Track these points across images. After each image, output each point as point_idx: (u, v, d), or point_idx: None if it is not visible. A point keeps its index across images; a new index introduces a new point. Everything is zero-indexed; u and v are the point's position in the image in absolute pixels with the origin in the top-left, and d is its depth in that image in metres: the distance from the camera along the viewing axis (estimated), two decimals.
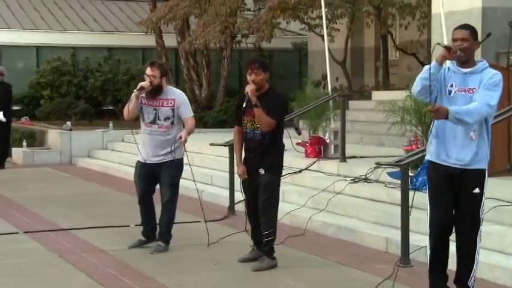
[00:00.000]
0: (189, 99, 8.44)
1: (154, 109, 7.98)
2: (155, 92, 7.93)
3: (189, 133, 8.07)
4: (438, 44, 5.70)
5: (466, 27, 5.84)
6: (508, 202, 7.80)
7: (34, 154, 17.70)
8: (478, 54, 10.51)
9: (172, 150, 7.97)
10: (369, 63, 21.15)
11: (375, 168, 9.84)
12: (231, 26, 19.18)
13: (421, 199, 6.74)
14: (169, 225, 8.17)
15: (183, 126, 8.09)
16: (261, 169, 7.24)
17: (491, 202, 7.91)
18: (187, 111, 8.09)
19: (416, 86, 5.72)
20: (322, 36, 14.86)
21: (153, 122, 7.99)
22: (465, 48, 5.66)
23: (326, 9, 15.00)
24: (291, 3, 16.53)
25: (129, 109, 7.93)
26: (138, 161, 8.22)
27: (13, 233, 9.11)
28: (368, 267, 7.25)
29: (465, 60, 5.70)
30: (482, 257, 6.99)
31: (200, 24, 19.41)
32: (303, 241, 8.39)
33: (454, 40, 5.72)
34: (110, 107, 23.35)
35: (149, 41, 22.75)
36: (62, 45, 23.98)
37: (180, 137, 7.94)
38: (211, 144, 11.67)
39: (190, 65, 21.59)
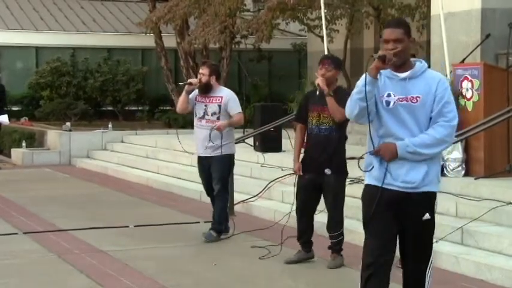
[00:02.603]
0: None
1: (205, 105, 8.58)
2: (204, 89, 8.55)
3: (232, 124, 8.60)
4: (372, 56, 4.71)
5: (398, 24, 4.77)
6: (507, 203, 7.80)
7: (33, 155, 17.69)
8: (477, 55, 10.57)
9: (221, 146, 8.47)
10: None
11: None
12: (230, 27, 19.18)
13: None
14: (221, 216, 8.64)
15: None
16: (327, 169, 7.22)
17: (490, 203, 7.92)
18: (234, 108, 8.61)
19: (353, 108, 4.71)
20: (322, 37, 14.86)
21: (203, 117, 8.59)
22: (400, 51, 4.65)
23: (325, 10, 15.00)
24: (290, 3, 16.52)
25: (179, 101, 8.69)
26: (197, 156, 8.84)
27: (12, 234, 9.11)
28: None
29: (401, 63, 4.72)
30: (482, 258, 7.02)
31: (200, 24, 19.41)
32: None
33: (386, 41, 4.69)
34: (109, 108, 23.35)
35: (148, 41, 22.73)
36: (61, 45, 23.97)
37: (217, 126, 8.46)
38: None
39: (189, 66, 21.58)
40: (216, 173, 8.55)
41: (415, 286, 4.89)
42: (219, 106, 8.52)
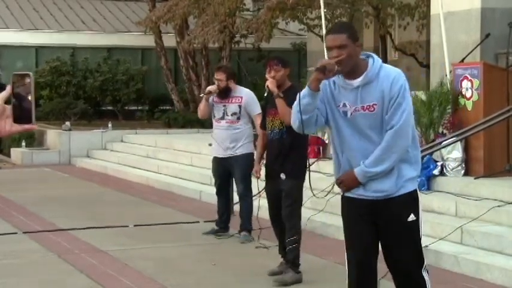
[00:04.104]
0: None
1: (224, 105, 8.59)
2: (224, 93, 8.54)
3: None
4: (309, 69, 4.41)
5: (340, 30, 4.42)
6: (506, 202, 7.80)
7: (33, 154, 17.69)
8: (477, 55, 10.57)
9: (241, 146, 8.50)
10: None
11: None
12: (230, 26, 19.19)
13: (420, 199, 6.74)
14: (249, 215, 8.65)
15: (252, 123, 8.69)
16: (282, 174, 6.88)
17: (490, 202, 7.92)
18: (255, 109, 8.55)
19: (294, 121, 4.47)
20: (321, 37, 14.86)
21: (222, 118, 8.61)
22: (344, 59, 4.27)
23: (325, 10, 14.99)
24: (290, 3, 16.52)
25: (201, 109, 8.70)
26: (213, 156, 8.88)
27: (12, 233, 9.11)
28: None
29: (349, 71, 4.35)
30: (482, 257, 7.02)
31: (199, 24, 19.43)
32: (302, 241, 8.38)
33: (329, 49, 4.35)
34: (109, 107, 23.35)
35: (148, 41, 22.74)
36: (61, 45, 23.96)
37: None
38: (210, 145, 11.66)
39: (189, 65, 21.59)
40: (239, 172, 8.53)
41: None
42: (239, 106, 8.52)
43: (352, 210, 4.57)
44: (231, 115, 8.54)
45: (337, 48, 4.29)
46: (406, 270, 4.53)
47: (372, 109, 4.35)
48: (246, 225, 8.66)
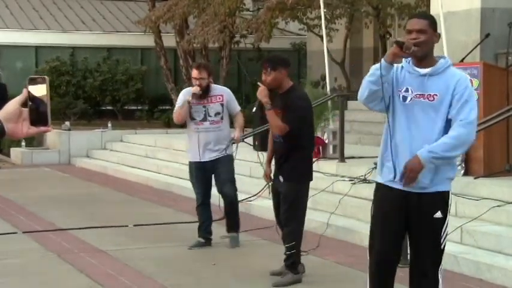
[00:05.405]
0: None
1: (204, 106, 8.13)
2: (205, 92, 8.09)
3: (242, 129, 8.32)
4: (394, 41, 4.57)
5: (423, 16, 4.76)
6: (506, 202, 7.81)
7: (33, 154, 17.69)
8: (477, 55, 10.57)
9: (227, 147, 8.16)
10: (368, 64, 21.12)
11: (373, 168, 9.84)
12: (229, 26, 19.20)
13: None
14: (237, 214, 8.41)
15: (231, 122, 8.34)
16: (280, 176, 6.78)
17: (489, 202, 7.93)
18: (235, 106, 8.30)
19: (363, 91, 4.61)
20: (321, 37, 14.87)
21: (204, 120, 8.13)
22: (422, 42, 4.52)
23: (325, 10, 15.00)
24: (289, 3, 16.52)
25: (181, 114, 8.09)
26: (192, 162, 8.30)
27: (12, 233, 9.11)
28: (367, 268, 7.23)
29: (422, 57, 4.58)
30: (481, 257, 7.02)
31: (199, 24, 19.44)
32: (302, 242, 8.40)
33: (409, 32, 4.57)
34: (109, 107, 23.35)
35: (148, 41, 22.74)
36: (60, 45, 23.95)
37: (233, 138, 8.17)
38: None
39: (189, 65, 21.56)
40: (227, 174, 8.19)
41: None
42: (222, 105, 8.14)
43: (384, 201, 4.76)
44: (215, 115, 8.10)
45: (417, 32, 4.54)
46: (422, 267, 4.72)
47: (432, 99, 4.57)
48: (238, 227, 8.42)
